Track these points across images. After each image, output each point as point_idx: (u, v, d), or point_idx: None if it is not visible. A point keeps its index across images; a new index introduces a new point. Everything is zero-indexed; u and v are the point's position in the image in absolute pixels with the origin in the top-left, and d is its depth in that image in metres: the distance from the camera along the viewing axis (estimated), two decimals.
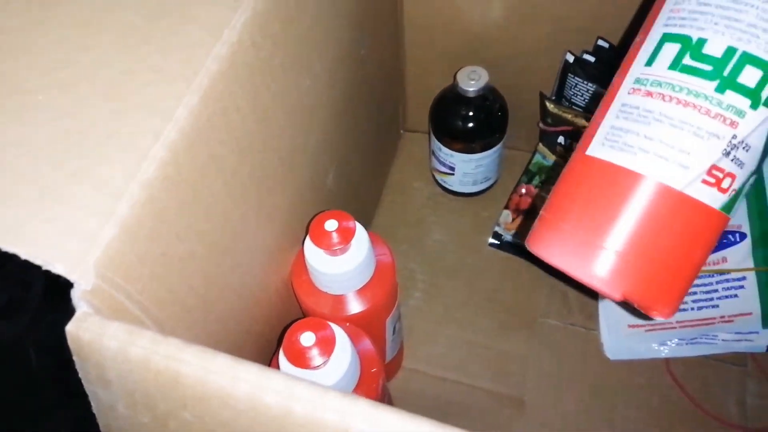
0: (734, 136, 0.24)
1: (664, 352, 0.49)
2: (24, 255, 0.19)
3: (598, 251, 0.25)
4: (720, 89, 0.24)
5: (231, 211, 0.28)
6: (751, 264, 0.44)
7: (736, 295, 0.45)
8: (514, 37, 0.48)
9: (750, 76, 0.24)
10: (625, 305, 0.26)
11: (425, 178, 0.59)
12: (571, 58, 0.47)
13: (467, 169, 0.53)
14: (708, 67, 0.24)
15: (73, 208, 0.21)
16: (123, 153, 0.22)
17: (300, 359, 0.30)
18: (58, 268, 0.19)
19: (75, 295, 0.20)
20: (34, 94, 0.22)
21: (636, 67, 0.26)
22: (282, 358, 0.31)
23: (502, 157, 0.55)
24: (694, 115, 0.24)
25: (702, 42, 0.24)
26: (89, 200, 0.21)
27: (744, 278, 0.45)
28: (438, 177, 0.57)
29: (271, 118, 0.30)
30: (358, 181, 0.51)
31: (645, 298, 0.26)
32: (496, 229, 0.54)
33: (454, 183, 0.55)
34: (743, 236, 0.43)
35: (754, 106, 0.24)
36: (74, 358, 0.20)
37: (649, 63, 0.26)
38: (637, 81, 0.26)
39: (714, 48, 0.24)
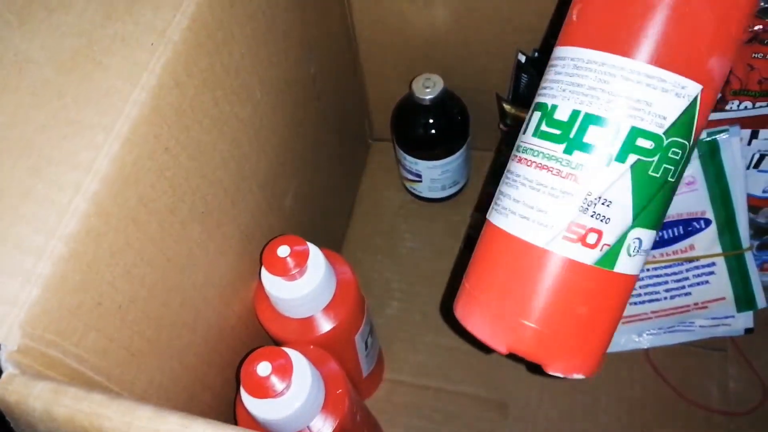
0: (589, 193, 0.25)
1: (644, 342, 0.49)
2: None
3: (504, 319, 0.26)
4: (568, 150, 0.25)
5: (173, 250, 0.28)
6: (718, 249, 0.44)
7: (707, 282, 0.45)
8: (464, 41, 0.48)
9: (595, 136, 0.25)
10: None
11: (396, 187, 0.59)
12: (522, 58, 0.46)
13: (434, 176, 0.53)
14: (557, 132, 0.25)
15: None
16: (42, 210, 0.22)
17: (259, 390, 0.30)
18: None
19: (1, 356, 0.20)
20: None
21: (519, 136, 0.29)
22: (242, 391, 0.31)
23: (469, 160, 0.55)
24: (548, 176, 0.25)
25: (554, 108, 0.26)
26: (9, 261, 0.21)
27: (713, 264, 0.44)
28: (407, 185, 0.57)
29: (208, 152, 0.30)
30: (324, 197, 0.52)
31: (559, 363, 0.27)
32: (470, 232, 0.54)
33: (423, 190, 0.55)
34: (708, 222, 0.43)
35: (605, 163, 0.25)
36: (7, 418, 0.21)
37: (524, 131, 0.28)
38: (516, 148, 0.28)
39: (562, 113, 0.25)
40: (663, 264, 0.45)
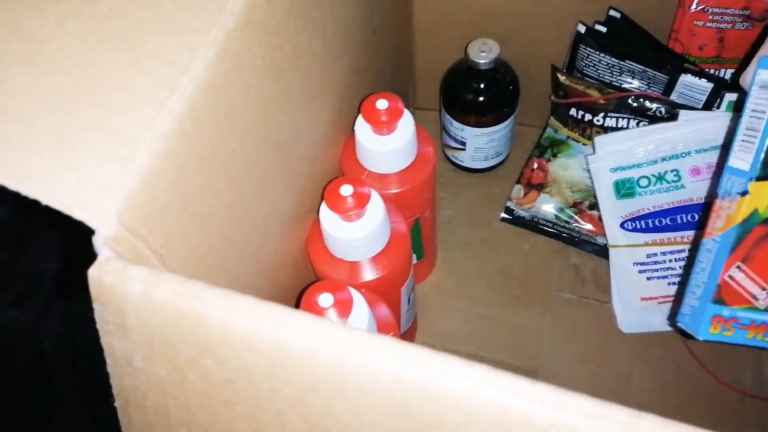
0: None
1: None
2: (45, 200, 0.19)
3: None
4: None
5: (248, 171, 0.28)
6: None
7: None
8: (524, 10, 0.47)
9: None
10: None
11: (436, 155, 0.59)
12: (582, 29, 0.46)
13: (479, 144, 0.53)
14: None
15: (90, 157, 0.21)
16: (138, 104, 0.22)
17: None
18: (77, 213, 0.19)
19: (97, 241, 0.20)
20: (47, 43, 0.22)
21: None
22: None
23: (513, 133, 0.55)
24: None
25: None
26: (106, 149, 0.21)
27: None
28: (449, 153, 0.57)
29: (286, 80, 0.30)
30: None
31: None
32: (508, 204, 0.54)
33: (465, 158, 0.55)
34: None
35: None
36: (94, 305, 0.20)
37: None
38: None
39: None
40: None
